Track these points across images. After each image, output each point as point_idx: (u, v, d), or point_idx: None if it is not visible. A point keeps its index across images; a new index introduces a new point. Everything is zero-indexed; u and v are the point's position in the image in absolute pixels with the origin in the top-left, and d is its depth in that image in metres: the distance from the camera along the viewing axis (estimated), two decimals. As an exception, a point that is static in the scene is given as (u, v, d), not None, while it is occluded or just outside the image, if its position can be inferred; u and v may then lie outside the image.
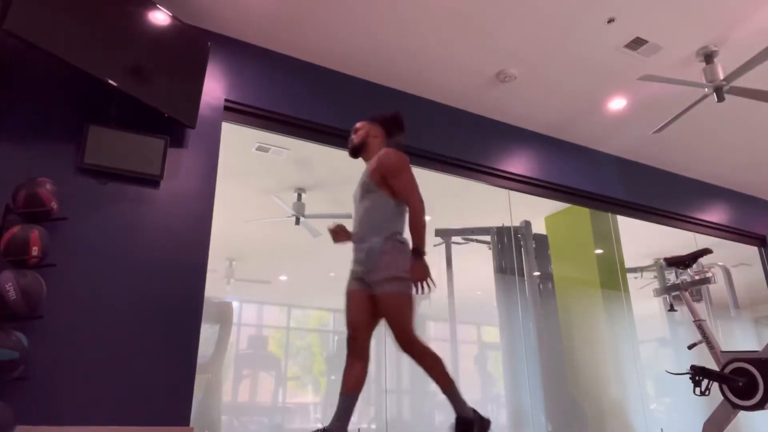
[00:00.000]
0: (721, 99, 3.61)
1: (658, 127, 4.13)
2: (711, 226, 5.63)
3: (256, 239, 4.42)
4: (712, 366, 2.93)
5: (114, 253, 2.76)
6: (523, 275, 4.74)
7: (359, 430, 3.52)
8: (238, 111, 3.46)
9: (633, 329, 4.92)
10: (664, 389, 4.95)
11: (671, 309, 3.69)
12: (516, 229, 4.82)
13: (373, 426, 3.59)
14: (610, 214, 5.18)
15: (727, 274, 6.18)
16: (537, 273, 4.90)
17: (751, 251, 5.98)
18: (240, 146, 3.84)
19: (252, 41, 3.61)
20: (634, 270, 5.76)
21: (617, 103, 4.34)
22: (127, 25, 2.84)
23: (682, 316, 5.40)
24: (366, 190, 2.43)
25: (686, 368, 2.95)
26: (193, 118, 3.06)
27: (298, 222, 4.39)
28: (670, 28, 3.48)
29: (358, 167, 3.57)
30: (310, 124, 3.65)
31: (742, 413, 2.85)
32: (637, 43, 3.61)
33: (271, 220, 4.41)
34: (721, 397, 2.83)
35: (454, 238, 4.78)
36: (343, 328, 2.43)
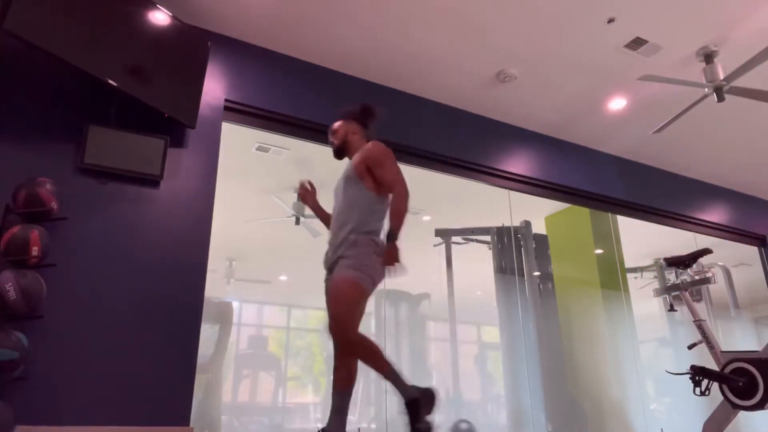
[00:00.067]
0: (721, 99, 3.61)
1: (658, 127, 4.13)
2: (711, 226, 5.63)
3: (256, 239, 4.42)
4: (712, 366, 2.93)
5: (114, 253, 2.76)
6: (523, 275, 4.74)
7: (359, 430, 3.52)
8: (238, 111, 3.46)
9: (633, 329, 4.92)
10: (664, 389, 4.95)
11: (671, 309, 3.69)
12: (516, 229, 4.82)
13: (373, 426, 3.59)
14: (610, 214, 5.18)
15: (727, 274, 6.18)
16: (537, 273, 4.90)
17: (751, 251, 5.98)
18: (240, 146, 3.84)
19: (252, 41, 3.61)
20: (634, 270, 5.76)
21: (617, 103, 4.34)
22: (127, 25, 2.84)
23: (682, 316, 5.40)
24: (348, 183, 2.43)
25: (686, 368, 2.95)
26: (193, 118, 3.06)
27: (298, 222, 4.40)
28: (670, 28, 3.48)
29: (358, 167, 3.55)
30: (310, 124, 3.65)
31: (742, 413, 2.85)
32: (637, 43, 3.61)
33: (271, 220, 4.42)
34: (721, 397, 2.83)
35: (454, 238, 4.78)
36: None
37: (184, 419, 2.66)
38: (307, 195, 2.68)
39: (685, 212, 5.38)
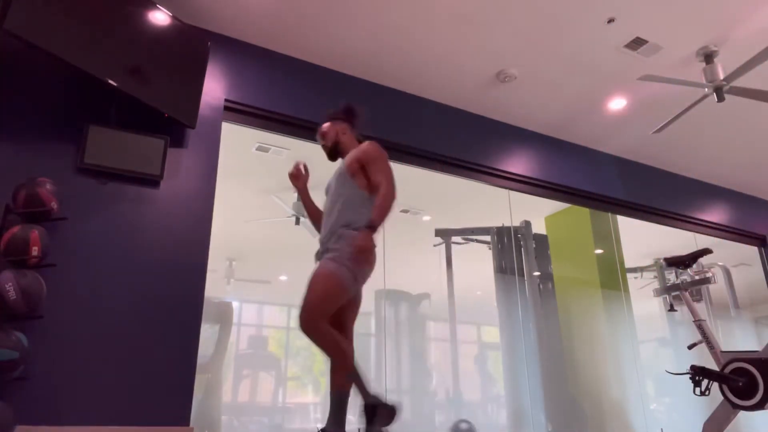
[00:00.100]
0: (721, 99, 3.61)
1: (658, 127, 4.13)
2: (711, 226, 5.63)
3: (256, 239, 4.42)
4: (712, 366, 2.93)
5: (114, 253, 2.76)
6: (523, 275, 4.74)
7: (359, 430, 3.52)
8: (238, 111, 3.46)
9: (633, 329, 4.92)
10: (664, 389, 4.95)
11: (671, 309, 3.69)
12: (516, 229, 4.82)
13: (373, 426, 3.59)
14: (610, 214, 5.18)
15: (727, 274, 6.18)
16: (537, 273, 4.90)
17: (751, 251, 5.98)
18: (240, 146, 3.84)
19: (252, 41, 3.61)
20: (634, 270, 5.76)
21: (617, 103, 4.34)
22: (127, 25, 2.84)
23: (682, 316, 5.40)
24: (340, 181, 2.45)
25: (686, 368, 2.95)
26: (193, 118, 3.06)
27: (298, 222, 4.39)
28: (670, 28, 3.48)
29: (358, 167, 3.54)
30: (310, 124, 3.65)
31: (742, 413, 2.85)
32: (637, 43, 3.61)
33: (271, 220, 4.41)
34: (721, 397, 2.83)
35: (454, 238, 4.78)
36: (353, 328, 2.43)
37: (184, 419, 2.66)
38: (299, 177, 2.67)
39: (685, 212, 5.38)
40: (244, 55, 3.57)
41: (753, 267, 5.96)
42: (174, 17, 3.06)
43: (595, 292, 5.00)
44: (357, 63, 3.83)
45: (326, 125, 2.63)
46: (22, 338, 2.25)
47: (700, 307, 5.68)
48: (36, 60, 2.84)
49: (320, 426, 2.31)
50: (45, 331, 2.49)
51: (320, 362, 3.98)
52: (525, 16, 3.38)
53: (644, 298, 5.61)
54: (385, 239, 3.89)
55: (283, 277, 4.48)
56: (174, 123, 3.03)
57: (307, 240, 4.54)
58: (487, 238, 4.88)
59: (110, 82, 2.70)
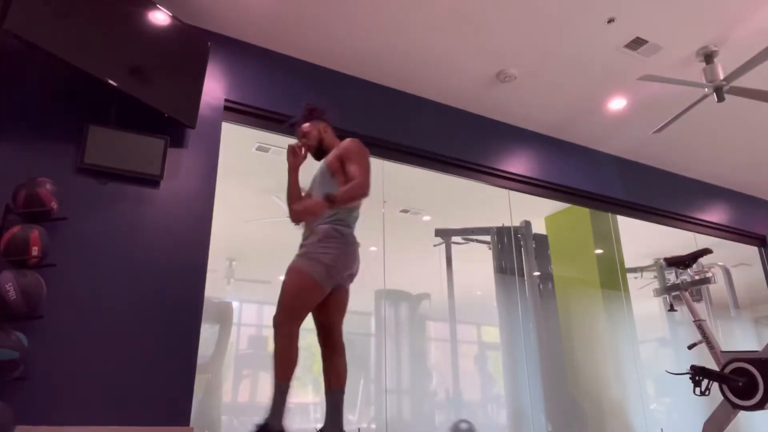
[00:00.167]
0: (721, 99, 3.61)
1: (658, 127, 4.13)
2: (711, 226, 5.63)
3: (256, 239, 4.42)
4: (712, 366, 2.93)
5: (114, 253, 2.76)
6: (523, 275, 4.74)
7: (359, 430, 3.52)
8: (238, 111, 3.46)
9: (633, 329, 4.92)
10: (664, 389, 4.95)
11: (671, 309, 3.69)
12: (516, 229, 4.82)
13: (373, 426, 3.59)
14: (610, 214, 5.18)
15: (727, 274, 6.18)
16: (537, 273, 4.90)
17: (751, 251, 5.98)
18: (240, 146, 3.84)
19: (252, 41, 3.61)
20: (634, 270, 5.76)
21: (617, 103, 4.34)
22: (127, 25, 2.84)
23: (682, 316, 5.39)
24: (323, 178, 2.45)
25: (686, 368, 2.95)
26: (193, 118, 3.06)
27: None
28: (670, 28, 3.48)
29: (358, 167, 3.53)
30: (310, 124, 3.64)
31: (742, 413, 2.85)
32: (637, 43, 3.61)
33: (271, 220, 4.41)
34: (721, 397, 2.83)
35: (454, 238, 4.78)
36: (343, 328, 2.44)
37: (184, 419, 2.66)
38: (298, 155, 2.62)
39: (685, 212, 5.38)
40: (244, 55, 3.57)
41: (753, 267, 5.96)
42: (174, 17, 3.06)
43: (595, 292, 5.00)
44: (357, 63, 3.83)
45: (307, 125, 2.63)
46: (22, 338, 2.25)
47: (700, 307, 5.68)
48: (36, 60, 2.84)
49: (319, 426, 2.31)
50: (45, 331, 2.49)
51: (320, 362, 3.98)
52: (525, 17, 3.38)
53: (644, 298, 5.61)
54: (385, 239, 3.89)
55: (282, 277, 4.48)
56: (174, 123, 3.03)
57: (307, 240, 4.53)
58: (487, 238, 4.88)
59: (110, 82, 2.70)
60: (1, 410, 2.15)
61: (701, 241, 5.52)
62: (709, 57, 3.68)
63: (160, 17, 3.00)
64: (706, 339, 3.00)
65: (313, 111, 2.65)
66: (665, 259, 3.29)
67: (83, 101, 2.91)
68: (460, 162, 4.22)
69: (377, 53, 3.73)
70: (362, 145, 2.45)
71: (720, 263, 6.18)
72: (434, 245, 4.70)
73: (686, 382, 2.92)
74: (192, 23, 3.37)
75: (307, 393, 3.79)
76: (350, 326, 3.87)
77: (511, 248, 4.79)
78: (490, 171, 4.36)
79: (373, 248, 3.89)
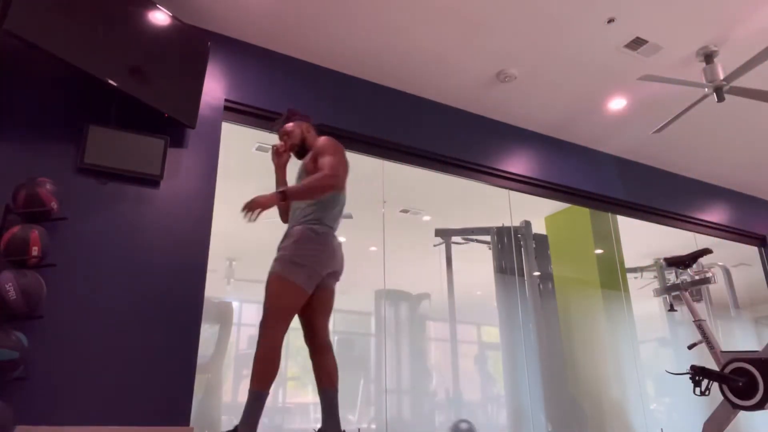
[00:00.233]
0: (721, 99, 3.61)
1: (658, 127, 4.13)
2: (711, 226, 5.63)
3: (256, 239, 4.42)
4: (712, 366, 2.93)
5: (114, 253, 2.76)
6: (523, 275, 4.74)
7: (359, 430, 3.52)
8: (238, 111, 3.46)
9: (633, 329, 4.92)
10: (664, 389, 4.95)
11: (671, 309, 3.69)
12: (516, 229, 4.82)
13: (373, 426, 3.59)
14: (610, 214, 5.18)
15: (727, 274, 6.18)
16: (537, 273, 4.90)
17: (751, 251, 5.98)
18: (240, 146, 3.84)
19: (252, 41, 3.61)
20: (634, 270, 5.76)
21: (617, 103, 4.34)
22: (127, 25, 2.84)
23: (682, 316, 5.39)
24: (302, 178, 2.47)
25: (686, 368, 2.95)
26: (193, 118, 3.06)
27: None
28: (670, 28, 3.48)
29: (358, 168, 3.57)
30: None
31: (742, 413, 2.85)
32: (637, 43, 3.61)
33: (271, 221, 4.41)
34: (721, 397, 2.83)
35: (454, 238, 4.78)
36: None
37: (184, 419, 2.67)
38: (282, 154, 2.66)
39: (685, 212, 5.38)
40: (244, 55, 3.57)
41: (753, 267, 5.96)
42: (174, 17, 3.06)
43: (595, 292, 5.00)
44: (357, 63, 3.83)
45: (291, 124, 2.65)
46: (22, 338, 2.25)
47: (700, 307, 5.68)
48: (36, 60, 2.84)
49: (318, 426, 2.31)
50: (45, 331, 2.49)
51: (320, 362, 3.98)
52: (525, 17, 3.38)
53: (644, 298, 5.61)
54: (385, 239, 3.89)
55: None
56: (174, 123, 3.03)
57: (307, 240, 4.53)
58: (487, 238, 4.88)
59: (110, 82, 2.70)
60: (1, 410, 2.15)
61: (701, 241, 5.51)
62: (709, 57, 3.68)
63: (160, 17, 3.00)
64: (706, 339, 3.00)
65: (296, 113, 2.69)
66: (665, 259, 3.29)
67: (83, 101, 2.91)
68: (460, 162, 4.22)
69: (377, 53, 3.73)
70: (335, 143, 2.46)
71: (720, 263, 6.18)
72: (434, 245, 4.70)
73: (686, 382, 2.92)
74: (192, 23, 3.37)
75: (307, 393, 3.79)
76: (350, 326, 3.88)
77: (511, 248, 4.79)
78: (490, 171, 4.36)
79: (373, 248, 3.89)
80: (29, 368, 2.39)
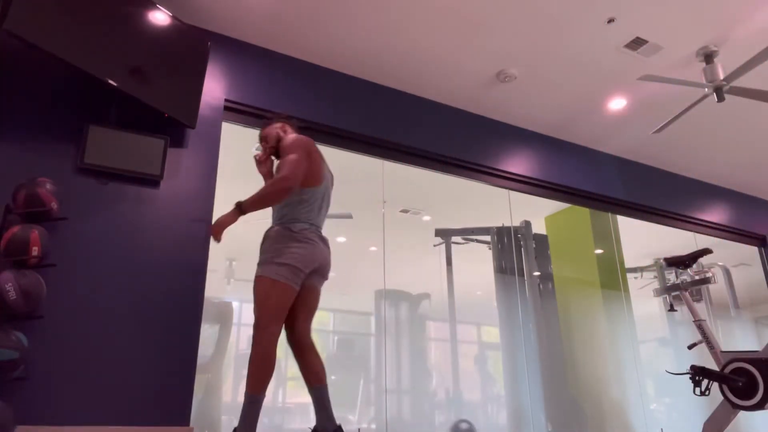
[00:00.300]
0: (721, 99, 3.61)
1: (658, 127, 4.13)
2: (711, 226, 5.63)
3: (256, 239, 4.42)
4: (712, 366, 2.93)
5: (114, 253, 2.76)
6: (523, 275, 4.74)
7: (359, 430, 3.52)
8: (238, 111, 3.46)
9: (633, 329, 4.92)
10: (664, 389, 4.95)
11: (671, 309, 3.69)
12: (516, 229, 4.82)
13: (373, 426, 3.59)
14: (610, 214, 5.18)
15: (727, 274, 6.18)
16: (537, 273, 4.90)
17: (751, 251, 5.98)
18: (240, 146, 3.83)
19: (252, 41, 3.61)
20: (634, 270, 5.76)
21: (617, 103, 4.34)
22: (127, 25, 2.84)
23: (682, 316, 5.39)
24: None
25: (686, 368, 2.95)
26: (193, 118, 3.06)
27: (298, 222, 4.38)
28: (670, 28, 3.48)
29: (358, 168, 3.59)
30: (310, 124, 3.65)
31: (742, 413, 2.85)
32: (637, 43, 3.61)
33: (271, 220, 4.41)
34: (721, 397, 2.83)
35: (454, 238, 4.78)
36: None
37: (184, 419, 2.67)
38: (261, 165, 2.71)
39: (685, 212, 5.38)
40: (244, 55, 3.57)
41: (753, 267, 5.96)
42: (174, 17, 3.06)
43: (595, 292, 5.00)
44: (357, 63, 3.83)
45: (266, 129, 2.68)
46: (22, 338, 2.25)
47: (700, 307, 5.68)
48: (36, 60, 2.84)
49: (312, 426, 2.32)
50: (45, 331, 2.49)
51: (320, 362, 3.98)
52: (525, 17, 3.38)
53: (644, 298, 5.61)
54: (385, 239, 3.89)
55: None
56: (174, 123, 3.03)
57: (307, 240, 4.52)
58: (487, 238, 4.88)
59: (110, 82, 2.70)
60: (1, 410, 2.15)
61: (701, 241, 5.51)
62: (709, 57, 3.68)
63: (160, 17, 3.00)
64: (706, 339, 3.00)
65: (273, 116, 2.74)
66: (665, 259, 3.29)
67: (83, 101, 2.91)
68: (460, 162, 4.22)
69: (377, 53, 3.73)
70: (299, 141, 2.44)
71: (720, 263, 6.18)
72: (434, 245, 4.70)
73: (686, 382, 2.93)
74: (192, 23, 3.37)
75: (307, 393, 3.79)
76: (350, 326, 3.88)
77: (511, 248, 4.79)
78: (490, 171, 4.36)
79: (373, 248, 3.89)
80: (29, 368, 2.39)
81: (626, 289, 5.08)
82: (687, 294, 3.20)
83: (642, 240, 5.64)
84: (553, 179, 4.63)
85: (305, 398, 3.86)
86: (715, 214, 5.62)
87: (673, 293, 5.20)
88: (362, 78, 4.00)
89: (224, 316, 3.61)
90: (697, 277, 5.47)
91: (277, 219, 2.43)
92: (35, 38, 2.44)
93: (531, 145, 4.64)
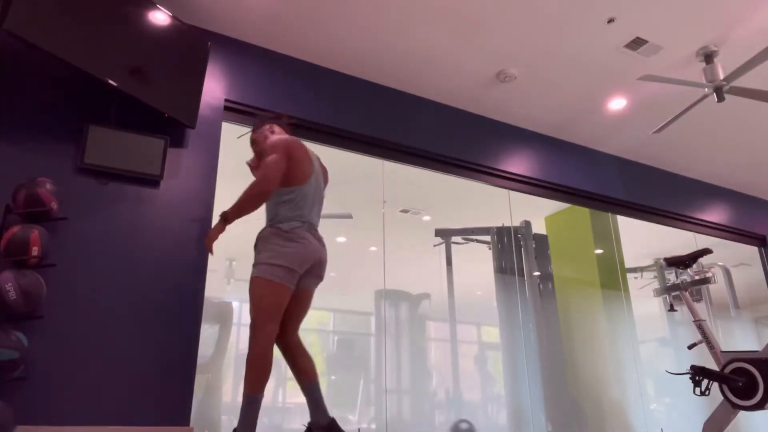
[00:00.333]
0: (721, 99, 3.61)
1: (658, 127, 4.13)
2: (711, 226, 5.63)
3: (256, 239, 4.42)
4: (712, 366, 2.93)
5: (114, 253, 2.76)
6: (523, 275, 4.74)
7: (359, 430, 3.52)
8: (238, 111, 3.46)
9: (633, 329, 4.92)
10: (664, 389, 4.95)
11: (671, 309, 3.69)
12: (516, 229, 4.82)
13: (373, 426, 3.59)
14: (610, 214, 5.18)
15: (727, 274, 6.18)
16: (537, 273, 4.89)
17: (751, 251, 5.98)
18: (240, 146, 3.83)
19: (252, 41, 3.61)
20: (634, 270, 5.75)
21: (617, 103, 4.33)
22: (127, 25, 2.84)
23: (682, 316, 5.39)
24: None
25: (686, 368, 2.94)
26: (193, 118, 3.06)
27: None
28: (670, 28, 3.48)
29: (358, 168, 3.60)
30: (310, 124, 3.65)
31: (742, 413, 2.85)
32: (637, 43, 3.61)
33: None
34: (721, 397, 2.83)
35: (454, 238, 4.78)
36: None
37: (184, 419, 2.67)
38: (254, 170, 2.74)
39: (685, 212, 5.38)
40: (244, 55, 3.57)
41: (753, 267, 5.96)
42: (174, 17, 3.06)
43: (595, 292, 5.00)
44: (357, 63, 3.83)
45: (255, 133, 2.70)
46: (22, 338, 2.25)
47: (700, 307, 5.68)
48: (36, 60, 2.84)
49: (304, 425, 2.34)
50: (45, 331, 2.49)
51: (320, 362, 3.98)
52: (525, 17, 3.38)
53: (644, 298, 5.61)
54: (385, 239, 3.89)
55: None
56: (174, 123, 3.03)
57: (307, 240, 4.52)
58: (487, 238, 4.88)
59: (110, 82, 2.70)
60: (1, 410, 2.15)
61: (701, 241, 5.51)
62: (709, 57, 3.68)
63: (160, 17, 3.00)
64: (706, 339, 3.00)
65: (260, 118, 2.77)
66: (665, 259, 3.30)
67: (83, 101, 2.91)
68: (460, 162, 4.22)
69: (377, 53, 3.73)
70: (278, 141, 2.46)
71: (720, 263, 6.18)
72: (434, 245, 4.70)
73: (686, 382, 2.93)
74: (192, 23, 3.37)
75: (307, 393, 3.79)
76: (350, 326, 3.88)
77: (511, 248, 4.79)
78: (490, 171, 4.36)
79: (373, 248, 3.89)
80: (29, 368, 2.39)
81: (626, 289, 5.08)
82: (687, 294, 3.20)
83: (642, 240, 5.64)
84: (553, 179, 4.63)
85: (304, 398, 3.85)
86: (715, 214, 5.62)
87: (673, 293, 5.20)
88: (362, 78, 4.00)
89: (224, 316, 3.61)
90: (697, 277, 5.47)
91: (269, 220, 2.45)
92: (35, 38, 2.44)
93: (531, 145, 4.64)
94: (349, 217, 3.93)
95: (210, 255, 2.38)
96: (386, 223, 3.96)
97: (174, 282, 2.86)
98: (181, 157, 3.11)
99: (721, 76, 3.59)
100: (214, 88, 3.36)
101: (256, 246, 2.42)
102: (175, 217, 2.98)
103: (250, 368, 2.20)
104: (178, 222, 2.98)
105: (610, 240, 5.17)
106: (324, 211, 3.21)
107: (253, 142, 2.71)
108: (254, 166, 2.72)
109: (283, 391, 3.67)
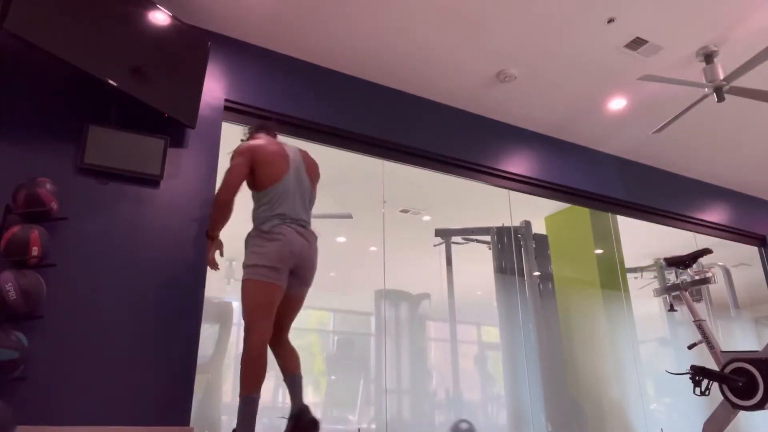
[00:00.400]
0: (721, 99, 3.61)
1: (658, 127, 4.13)
2: (711, 226, 5.63)
3: (256, 239, 4.41)
4: (712, 366, 2.93)
5: (114, 253, 2.76)
6: (523, 275, 4.74)
7: (359, 430, 3.52)
8: (238, 111, 3.46)
9: (633, 329, 4.92)
10: (664, 389, 4.95)
11: (671, 309, 3.69)
12: (516, 229, 4.82)
13: (373, 426, 3.59)
14: (610, 214, 5.18)
15: (727, 274, 6.18)
16: (537, 273, 4.89)
17: (751, 251, 5.98)
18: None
19: (252, 41, 3.61)
20: (634, 270, 5.75)
21: (617, 103, 4.33)
22: (127, 25, 2.84)
23: (682, 316, 5.39)
24: None
25: (686, 368, 2.95)
26: (193, 118, 3.06)
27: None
28: (670, 28, 3.48)
29: (358, 168, 3.60)
30: (310, 124, 3.65)
31: (742, 413, 2.85)
32: (637, 43, 3.61)
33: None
34: (721, 397, 2.83)
35: (454, 238, 4.78)
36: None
37: (184, 419, 2.67)
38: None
39: (685, 212, 5.38)
40: (244, 55, 3.57)
41: (753, 267, 5.96)
42: (174, 17, 3.06)
43: (595, 292, 5.00)
44: (357, 63, 3.83)
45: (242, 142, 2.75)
46: (22, 338, 2.25)
47: (700, 307, 5.68)
48: (36, 60, 2.84)
49: (319, 422, 2.35)
50: (45, 331, 2.49)
51: (320, 362, 3.98)
52: (525, 17, 3.38)
53: (644, 298, 5.61)
54: (385, 239, 3.89)
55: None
56: (174, 123, 3.03)
57: (307, 240, 4.52)
58: (487, 238, 4.88)
59: (110, 82, 2.70)
60: (1, 410, 2.15)
61: (701, 241, 5.51)
62: (709, 57, 3.68)
63: (160, 17, 3.00)
64: (706, 339, 3.00)
65: (250, 129, 2.85)
66: (665, 259, 3.30)
67: (83, 101, 2.91)
68: (460, 162, 4.22)
69: (377, 53, 3.73)
70: (240, 148, 2.54)
71: (720, 263, 6.18)
72: (434, 245, 4.69)
73: (686, 382, 2.93)
74: (192, 23, 3.37)
75: (307, 393, 3.79)
76: (350, 326, 3.88)
77: (511, 248, 4.79)
78: (490, 171, 4.36)
79: (373, 248, 3.89)
80: (29, 368, 2.39)
81: (626, 289, 5.08)
82: (687, 294, 3.21)
83: (642, 240, 5.64)
84: (553, 179, 4.63)
85: (305, 398, 3.85)
86: (715, 214, 5.62)
87: (673, 293, 5.20)
88: (362, 78, 4.00)
89: (224, 316, 3.61)
90: (697, 277, 5.47)
91: (253, 223, 2.52)
92: (35, 38, 2.44)
93: (531, 145, 4.64)
94: (349, 217, 3.93)
95: (215, 270, 2.49)
96: (386, 223, 3.96)
97: (174, 282, 2.86)
98: (181, 157, 3.11)
99: (721, 76, 3.59)
100: (214, 88, 3.36)
101: (244, 249, 2.49)
102: (175, 217, 2.98)
103: (244, 368, 2.23)
104: (178, 222, 2.98)
105: (610, 240, 5.17)
106: (324, 211, 3.22)
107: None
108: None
109: (283, 391, 3.67)
